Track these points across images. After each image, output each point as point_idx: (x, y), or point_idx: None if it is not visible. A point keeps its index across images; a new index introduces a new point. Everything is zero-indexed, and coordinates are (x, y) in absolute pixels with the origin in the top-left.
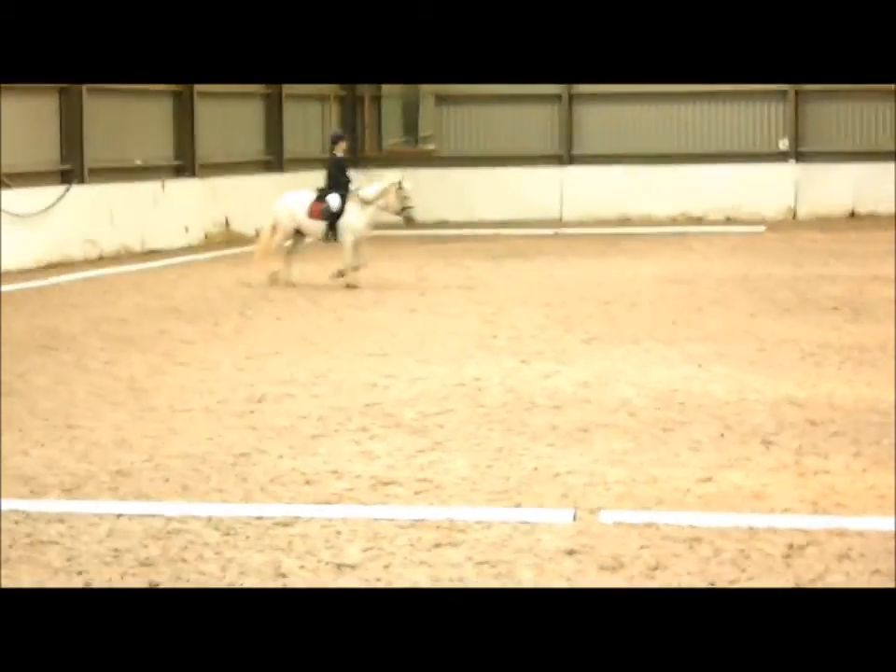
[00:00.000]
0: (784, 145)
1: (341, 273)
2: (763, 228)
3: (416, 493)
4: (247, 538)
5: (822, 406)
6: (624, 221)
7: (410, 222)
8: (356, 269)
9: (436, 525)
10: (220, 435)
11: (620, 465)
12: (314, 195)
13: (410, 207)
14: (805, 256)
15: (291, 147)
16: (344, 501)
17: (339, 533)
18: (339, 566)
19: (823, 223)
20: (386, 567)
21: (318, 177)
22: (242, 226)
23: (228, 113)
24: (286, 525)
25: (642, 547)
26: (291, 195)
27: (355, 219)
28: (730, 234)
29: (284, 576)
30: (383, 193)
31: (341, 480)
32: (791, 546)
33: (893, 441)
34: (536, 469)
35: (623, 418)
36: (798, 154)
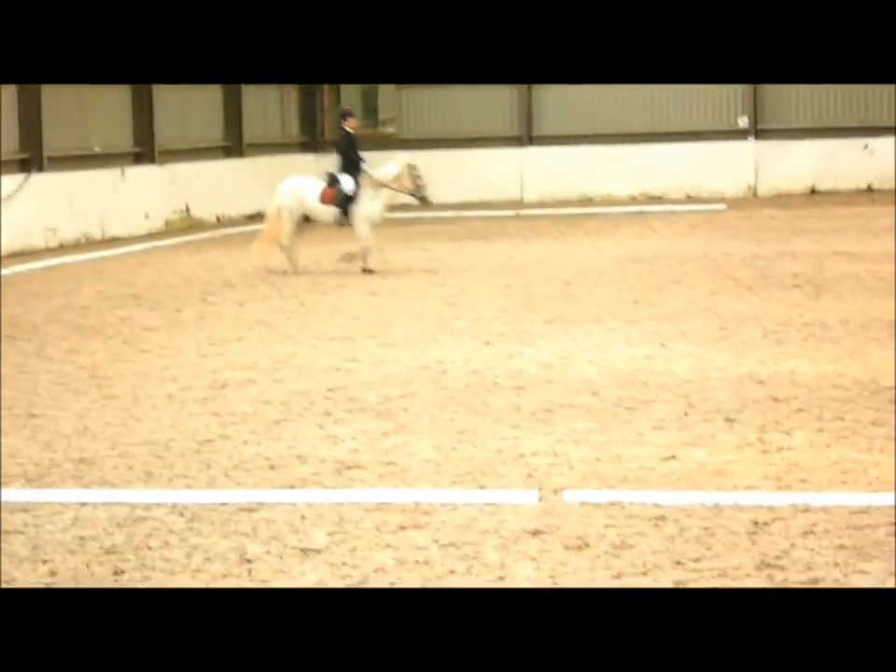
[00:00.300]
0: (743, 122)
1: (348, 257)
2: (723, 206)
3: (381, 476)
4: (212, 524)
5: (785, 383)
6: (585, 201)
7: (424, 203)
8: (367, 253)
9: (401, 507)
10: (183, 422)
11: (583, 444)
12: (320, 180)
13: (423, 187)
14: (765, 233)
15: (251, 132)
16: (309, 486)
17: (304, 517)
18: (304, 550)
19: (783, 200)
20: (352, 550)
21: (278, 162)
22: (202, 212)
23: (187, 99)
24: (250, 510)
25: (607, 526)
26: (297, 179)
27: (370, 205)
28: (690, 213)
29: (249, 561)
30: (396, 174)
31: (305, 464)
32: (755, 523)
33: (856, 417)
34: (500, 450)
35: (587, 398)
36: (757, 131)
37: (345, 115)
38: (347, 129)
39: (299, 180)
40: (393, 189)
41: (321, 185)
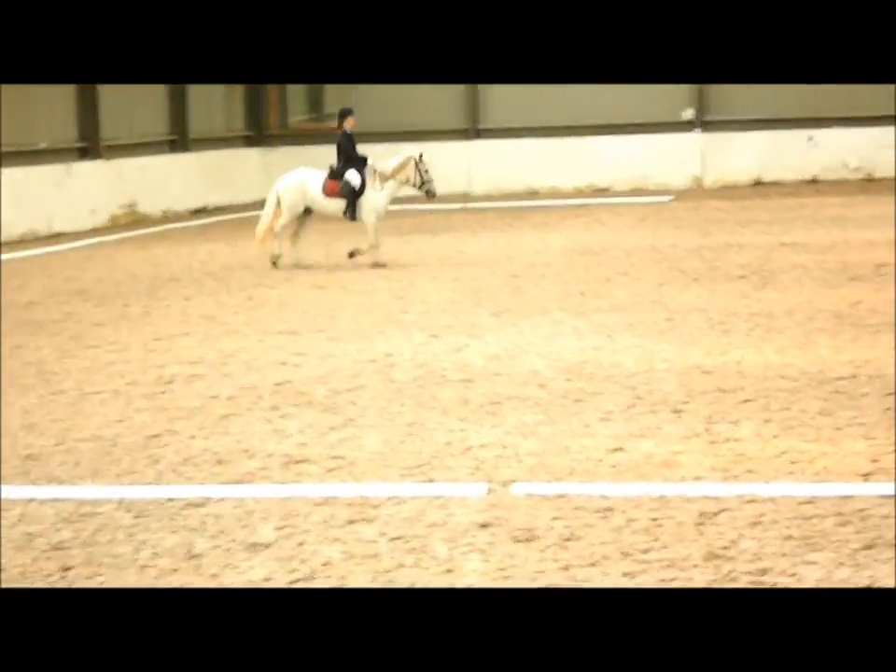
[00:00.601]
0: (688, 114)
1: (354, 253)
2: (670, 198)
3: (329, 470)
4: (160, 519)
5: (731, 374)
6: (532, 194)
7: (430, 196)
8: (375, 247)
9: (349, 501)
10: (131, 417)
11: (531, 437)
12: (324, 173)
13: (430, 181)
14: (711, 225)
15: (196, 126)
16: (257, 480)
17: (252, 512)
18: (252, 545)
19: (730, 192)
20: (300, 544)
21: (223, 156)
22: (148, 207)
23: (131, 94)
24: (198, 505)
25: (555, 518)
26: (299, 172)
27: (376, 197)
28: (637, 205)
29: (197, 557)
30: (402, 167)
31: (253, 459)
32: (702, 514)
33: (803, 407)
34: (448, 443)
35: (534, 390)
36: (703, 123)
37: (345, 114)
38: (346, 128)
39: (303, 172)
40: (398, 181)
41: (324, 177)
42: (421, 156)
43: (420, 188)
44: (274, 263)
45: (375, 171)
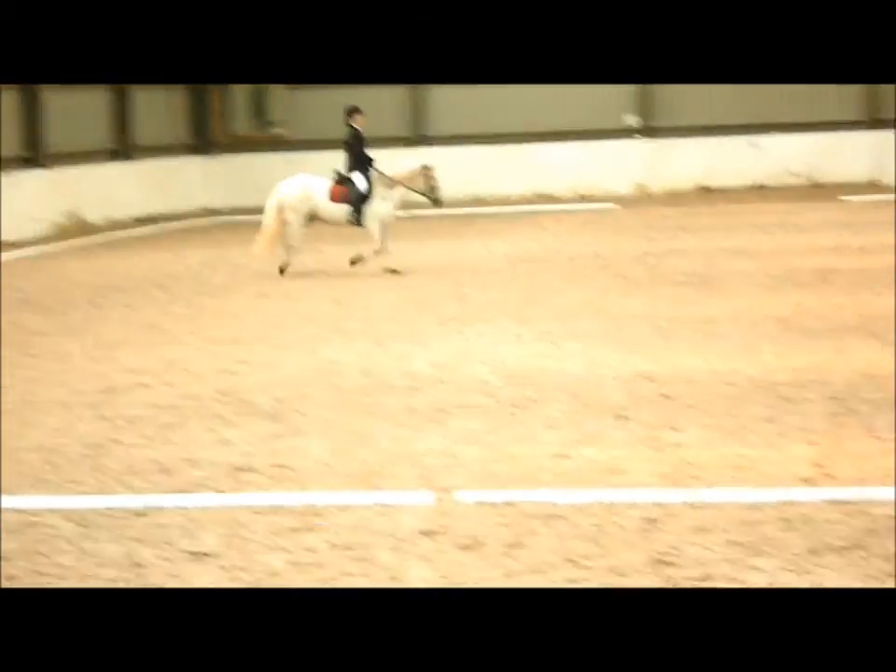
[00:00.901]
0: (632, 121)
1: (356, 260)
2: (614, 204)
3: (273, 479)
4: (103, 529)
5: (675, 379)
6: (477, 201)
7: (437, 203)
8: (377, 253)
9: (294, 510)
10: (74, 426)
11: (477, 444)
12: (323, 178)
13: (437, 189)
14: (656, 231)
15: (139, 134)
16: (201, 490)
17: (195, 521)
18: (196, 554)
19: (674, 198)
20: (244, 554)
21: (167, 164)
22: (91, 215)
23: (74, 102)
24: (141, 515)
25: (500, 525)
26: (299, 178)
27: (382, 204)
28: (581, 212)
29: (140, 566)
30: (411, 174)
31: (196, 468)
32: (647, 520)
33: (747, 413)
34: (393, 450)
35: (479, 398)
36: (648, 130)
37: (353, 111)
38: (355, 126)
39: (305, 178)
40: (406, 188)
41: (328, 183)
42: (430, 164)
43: (427, 195)
44: (282, 271)
45: (383, 175)
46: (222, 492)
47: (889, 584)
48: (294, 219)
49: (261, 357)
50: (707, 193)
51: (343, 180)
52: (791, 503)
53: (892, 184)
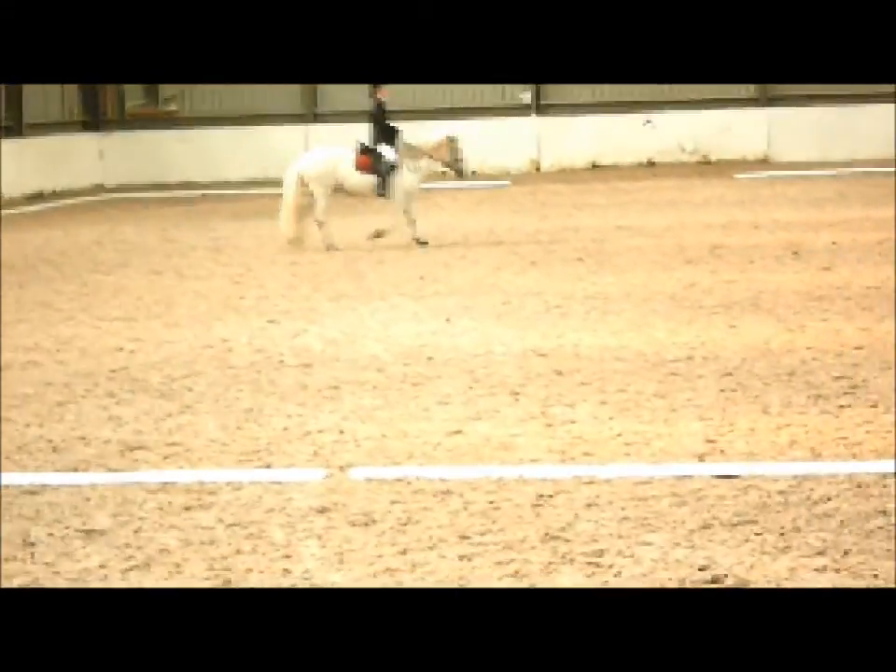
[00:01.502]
0: (526, 97)
1: (380, 234)
2: (507, 182)
3: (165, 457)
4: None
5: (568, 356)
6: None
7: (461, 175)
8: (408, 225)
9: (186, 488)
10: None
11: (370, 421)
12: (346, 149)
13: (461, 161)
14: (548, 208)
15: (31, 111)
16: (92, 468)
17: (87, 499)
18: (87, 532)
19: (567, 175)
20: (136, 531)
21: (59, 141)
22: None
23: None
24: (33, 493)
25: (393, 502)
26: (320, 151)
27: (410, 175)
28: (475, 189)
29: (32, 544)
30: (438, 145)
31: (88, 446)
32: (540, 496)
33: (638, 389)
34: (286, 428)
35: (373, 375)
36: (540, 107)
37: (377, 84)
38: (380, 97)
39: (328, 150)
40: (433, 159)
41: (352, 154)
42: (455, 136)
43: (451, 166)
44: (292, 243)
45: (410, 146)
46: (114, 470)
47: (780, 558)
48: (320, 192)
49: (154, 335)
50: (599, 170)
51: (367, 151)
52: (683, 479)
53: (785, 161)
